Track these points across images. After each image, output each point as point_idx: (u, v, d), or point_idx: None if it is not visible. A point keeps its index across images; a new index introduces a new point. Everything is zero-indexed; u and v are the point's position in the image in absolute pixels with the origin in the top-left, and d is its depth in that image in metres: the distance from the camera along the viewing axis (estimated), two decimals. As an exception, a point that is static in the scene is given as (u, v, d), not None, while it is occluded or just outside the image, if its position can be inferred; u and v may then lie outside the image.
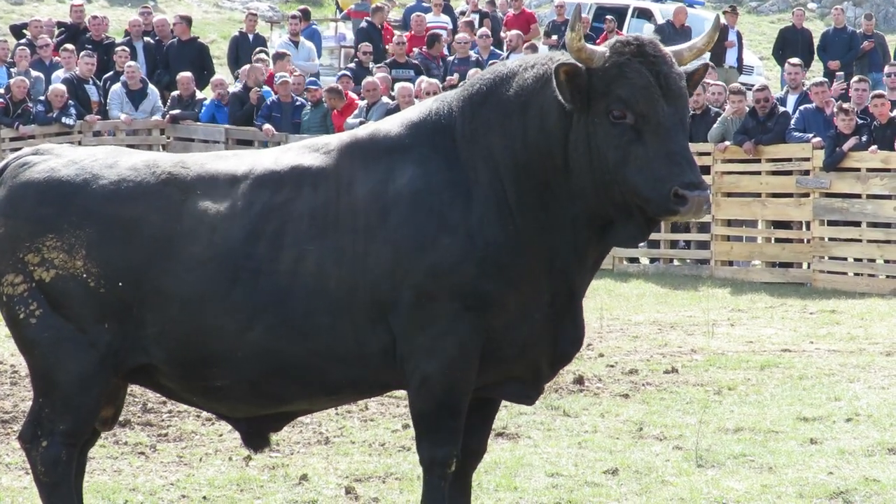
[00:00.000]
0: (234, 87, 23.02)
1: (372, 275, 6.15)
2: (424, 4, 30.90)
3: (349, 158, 6.34)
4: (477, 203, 6.15)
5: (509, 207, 6.16)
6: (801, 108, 18.81)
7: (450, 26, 27.72)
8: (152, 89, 23.28)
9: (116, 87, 22.94)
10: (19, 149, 20.18)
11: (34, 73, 23.33)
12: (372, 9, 27.91)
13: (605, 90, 6.00)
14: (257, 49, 25.00)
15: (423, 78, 21.79)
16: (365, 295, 6.17)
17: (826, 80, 19.84)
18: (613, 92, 5.99)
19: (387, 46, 25.35)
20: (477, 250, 6.10)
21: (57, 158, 6.56)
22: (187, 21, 25.56)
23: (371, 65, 23.82)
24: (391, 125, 6.45)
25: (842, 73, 20.46)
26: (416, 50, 25.26)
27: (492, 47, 24.86)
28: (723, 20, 27.83)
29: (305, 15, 27.36)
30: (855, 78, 19.25)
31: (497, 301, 6.15)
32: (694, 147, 18.99)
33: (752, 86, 21.16)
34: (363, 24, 27.06)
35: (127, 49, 24.21)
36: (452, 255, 6.10)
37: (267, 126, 21.62)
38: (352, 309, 6.19)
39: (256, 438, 6.69)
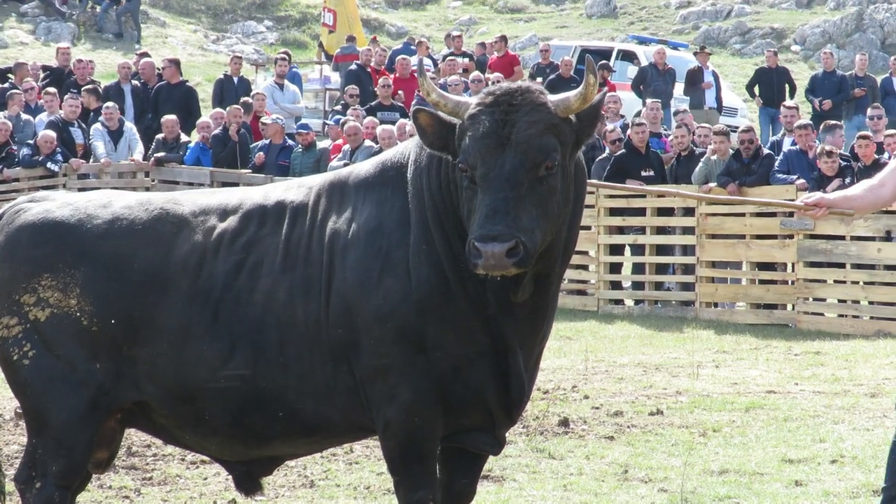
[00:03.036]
0: (216, 131, 23.02)
1: (333, 313, 6.25)
2: (412, 48, 31.10)
3: (326, 195, 6.48)
4: (413, 245, 6.21)
5: (437, 250, 6.19)
6: (785, 150, 18.90)
7: (432, 69, 27.86)
8: (128, 127, 23.28)
9: (97, 125, 22.97)
10: (3, 192, 20.49)
11: (24, 117, 23.36)
12: (362, 52, 28.07)
13: (461, 141, 6.00)
14: (253, 93, 25.13)
15: (405, 121, 21.84)
16: (328, 333, 6.26)
17: (811, 122, 19.94)
18: (462, 144, 5.98)
19: (375, 89, 25.46)
20: (413, 292, 6.15)
21: (51, 202, 6.70)
22: (176, 64, 25.61)
23: (357, 108, 23.90)
24: (366, 165, 6.59)
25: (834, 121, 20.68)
26: (400, 92, 25.38)
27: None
28: (696, 62, 28.14)
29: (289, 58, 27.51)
30: (828, 123, 19.42)
31: (438, 343, 6.17)
32: (680, 188, 19.05)
33: (737, 128, 21.28)
34: (352, 66, 27.19)
35: (91, 89, 24.17)
36: (394, 296, 6.15)
37: (260, 153, 21.76)
38: (319, 345, 6.28)
39: (248, 482, 6.76)
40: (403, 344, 6.17)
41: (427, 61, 28.27)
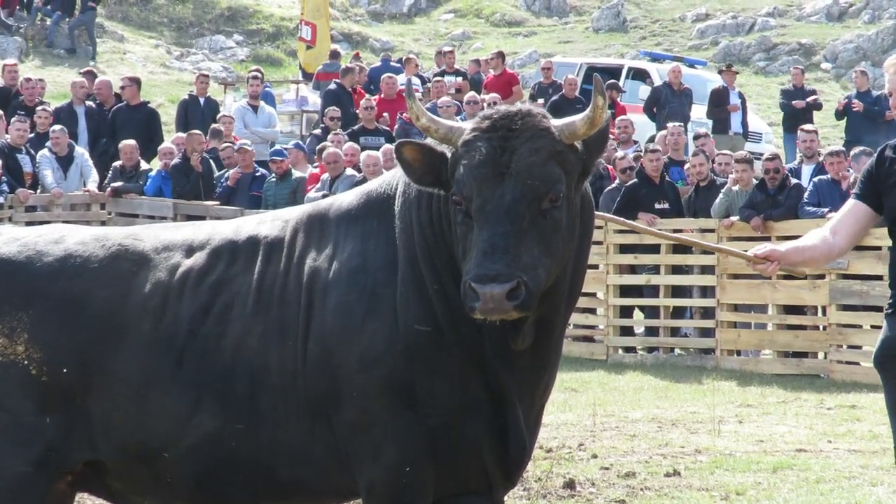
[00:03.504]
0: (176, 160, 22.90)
1: (311, 361, 6.24)
2: (393, 64, 31.16)
3: (304, 230, 6.50)
4: (401, 285, 6.21)
5: (427, 291, 6.19)
6: (815, 179, 18.90)
7: (420, 89, 27.94)
8: (79, 153, 23.19)
9: (44, 152, 22.88)
10: (-58, 225, 20.43)
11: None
12: (342, 70, 28.06)
13: (454, 171, 6.00)
14: (220, 115, 25.14)
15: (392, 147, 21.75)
16: (305, 382, 6.25)
17: (843, 149, 19.99)
18: (455, 174, 5.97)
19: (357, 111, 25.47)
20: (401, 338, 6.14)
21: None
22: (137, 83, 25.61)
23: (339, 132, 23.89)
24: (349, 196, 6.61)
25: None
26: (385, 115, 25.42)
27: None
28: (720, 82, 28.20)
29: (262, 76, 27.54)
30: (856, 150, 19.47)
31: (427, 396, 6.16)
32: (696, 223, 19.09)
33: (761, 155, 21.29)
34: (332, 86, 27.20)
35: (48, 110, 24.19)
36: (379, 342, 6.15)
37: (235, 170, 21.74)
38: (295, 396, 6.27)
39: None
40: (390, 396, 6.16)
41: (415, 80, 28.36)
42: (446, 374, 6.18)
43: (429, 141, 6.19)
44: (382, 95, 26.43)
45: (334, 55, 31.09)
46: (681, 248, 19.47)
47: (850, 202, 7.10)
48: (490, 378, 6.22)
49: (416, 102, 6.19)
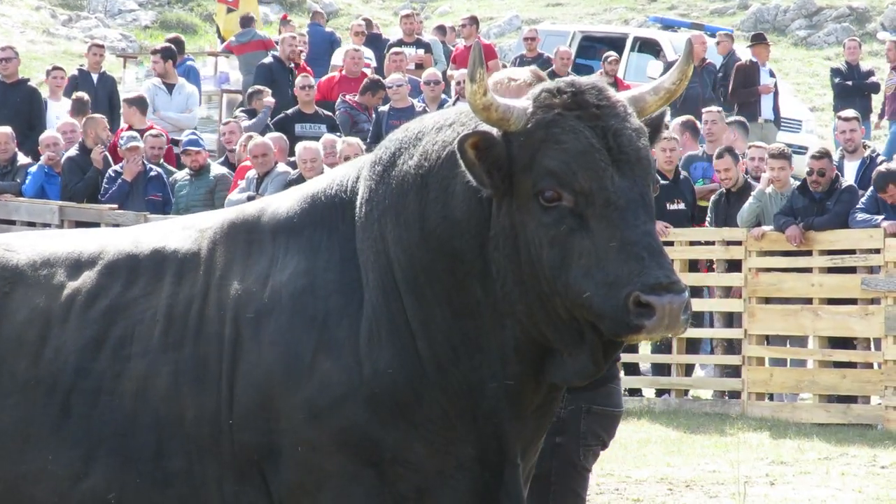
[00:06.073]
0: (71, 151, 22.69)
1: (241, 409, 6.17)
2: (326, 30, 30.90)
3: (226, 241, 6.42)
4: (368, 318, 6.13)
5: (408, 323, 6.12)
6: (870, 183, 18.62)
7: (373, 63, 27.84)
8: None
9: None
10: None
11: None
12: (281, 40, 27.75)
13: (530, 162, 5.83)
14: (134, 97, 24.89)
15: (335, 137, 21.60)
16: (232, 436, 6.19)
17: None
18: (540, 164, 5.81)
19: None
20: (365, 384, 6.06)
21: None
22: (15, 55, 25.46)
23: (236, 118, 23.73)
24: (285, 200, 6.50)
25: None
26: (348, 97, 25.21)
27: (444, 95, 24.87)
28: (745, 55, 28.24)
29: (170, 52, 26.96)
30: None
31: (399, 455, 6.08)
32: (718, 233, 19.01)
33: (802, 148, 21.25)
34: (269, 58, 26.91)
35: None
36: (334, 385, 6.06)
37: (131, 162, 21.43)
38: (216, 454, 6.21)
39: None
40: (346, 452, 6.08)
41: (367, 53, 28.30)
42: (426, 430, 6.10)
43: (485, 127, 5.92)
44: (344, 72, 26.21)
45: (246, 21, 30.49)
46: (698, 263, 19.44)
47: None
48: (487, 432, 6.15)
49: (485, 70, 5.85)
